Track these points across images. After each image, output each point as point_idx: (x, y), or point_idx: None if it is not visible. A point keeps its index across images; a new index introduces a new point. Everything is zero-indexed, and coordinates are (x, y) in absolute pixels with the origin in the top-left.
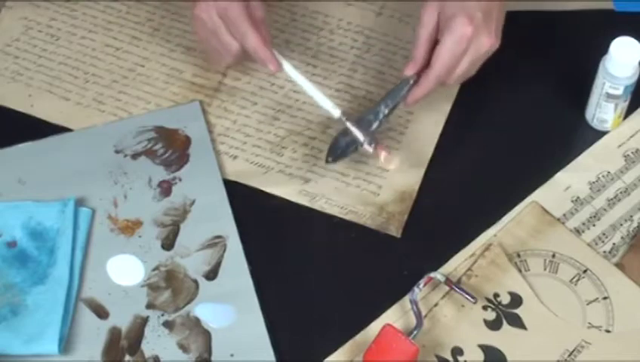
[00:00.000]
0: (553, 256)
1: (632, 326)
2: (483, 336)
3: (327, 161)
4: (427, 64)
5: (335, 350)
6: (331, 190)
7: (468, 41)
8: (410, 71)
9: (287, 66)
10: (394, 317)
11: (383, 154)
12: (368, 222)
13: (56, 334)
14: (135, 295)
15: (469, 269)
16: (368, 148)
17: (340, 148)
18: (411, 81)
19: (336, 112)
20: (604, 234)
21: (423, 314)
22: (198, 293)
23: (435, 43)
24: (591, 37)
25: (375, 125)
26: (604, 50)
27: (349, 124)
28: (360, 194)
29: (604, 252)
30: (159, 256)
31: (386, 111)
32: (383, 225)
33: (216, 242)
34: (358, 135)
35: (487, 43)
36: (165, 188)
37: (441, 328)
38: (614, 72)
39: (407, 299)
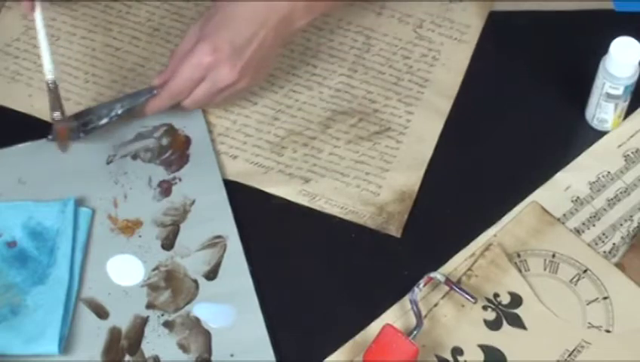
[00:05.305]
0: (553, 256)
1: (632, 326)
2: (483, 336)
3: (52, 119)
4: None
5: (335, 350)
6: (331, 190)
7: (205, 70)
8: (157, 81)
9: (39, 15)
10: (394, 317)
11: (62, 138)
12: (368, 222)
13: (56, 334)
14: (135, 295)
15: (469, 269)
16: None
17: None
18: (154, 92)
19: (49, 78)
20: (604, 234)
21: (423, 314)
22: (198, 293)
23: None
24: (591, 37)
25: (104, 120)
26: (604, 50)
27: (55, 97)
28: (360, 194)
29: (604, 252)
30: (159, 256)
31: (119, 111)
32: (383, 225)
33: (216, 242)
34: (58, 111)
35: (227, 78)
36: (165, 188)
37: (441, 328)
38: (614, 72)
39: (407, 299)
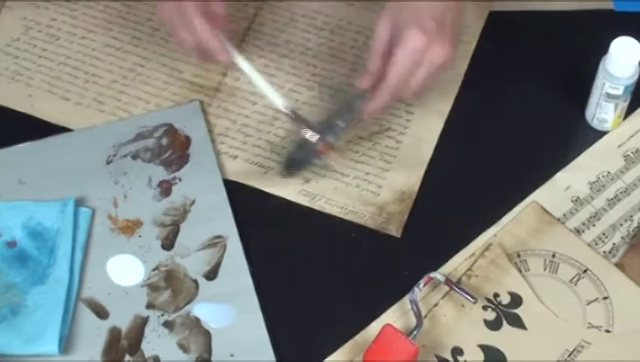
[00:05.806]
0: (553, 256)
1: (632, 326)
2: (483, 336)
3: (283, 176)
4: (383, 77)
5: (335, 350)
6: (331, 190)
7: (421, 53)
8: (365, 84)
9: (240, 59)
10: (394, 317)
11: (331, 154)
12: (368, 222)
13: (56, 334)
14: (135, 295)
15: (469, 269)
16: (318, 145)
17: (295, 164)
18: (367, 95)
19: (285, 109)
20: (604, 234)
21: (423, 314)
22: (198, 293)
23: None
24: (591, 37)
25: (333, 140)
26: (604, 50)
27: (299, 120)
28: (360, 194)
29: (604, 252)
30: (159, 256)
31: (343, 125)
32: (383, 225)
33: (216, 242)
34: (308, 130)
35: (442, 53)
36: (165, 188)
37: (441, 328)
38: (614, 72)
39: (407, 299)
